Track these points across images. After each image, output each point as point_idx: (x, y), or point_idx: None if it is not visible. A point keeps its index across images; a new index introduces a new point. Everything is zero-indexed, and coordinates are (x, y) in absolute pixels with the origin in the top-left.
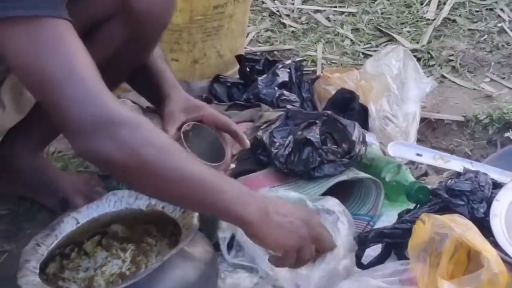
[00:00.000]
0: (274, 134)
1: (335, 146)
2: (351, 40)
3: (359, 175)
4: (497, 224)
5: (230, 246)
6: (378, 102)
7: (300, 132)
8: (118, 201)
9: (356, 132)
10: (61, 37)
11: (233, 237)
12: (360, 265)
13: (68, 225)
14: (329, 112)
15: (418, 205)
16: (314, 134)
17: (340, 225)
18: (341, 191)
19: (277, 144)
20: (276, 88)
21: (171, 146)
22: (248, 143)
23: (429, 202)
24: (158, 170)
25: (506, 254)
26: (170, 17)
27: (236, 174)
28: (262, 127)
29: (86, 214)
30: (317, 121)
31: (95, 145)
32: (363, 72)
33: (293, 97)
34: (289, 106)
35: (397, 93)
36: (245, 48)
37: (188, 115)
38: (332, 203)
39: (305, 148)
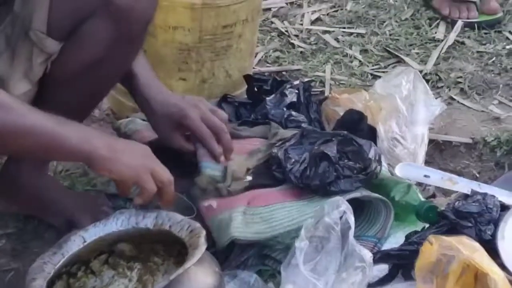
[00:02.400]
0: (289, 152)
1: (352, 162)
2: (360, 61)
3: (372, 195)
4: (504, 246)
5: None
6: (387, 123)
7: (316, 147)
8: (125, 220)
9: (372, 151)
10: None
11: None
12: (367, 285)
13: (75, 243)
14: (344, 132)
15: (426, 227)
16: (331, 149)
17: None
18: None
19: (293, 160)
20: (285, 109)
21: (4, 97)
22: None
23: (437, 223)
24: None
25: None
26: (154, 13)
27: (251, 187)
28: (277, 144)
29: (93, 232)
30: (333, 139)
31: None
32: (372, 93)
33: (302, 117)
34: (303, 125)
35: (406, 114)
36: (254, 68)
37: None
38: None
39: (321, 163)
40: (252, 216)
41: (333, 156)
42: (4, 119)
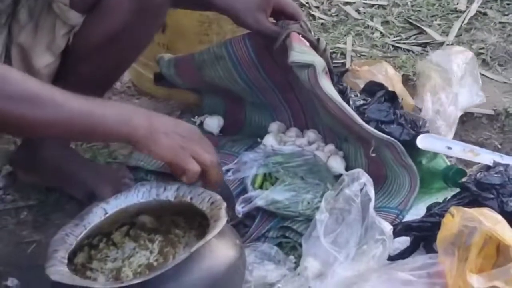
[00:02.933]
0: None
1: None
2: (381, 32)
3: (407, 159)
4: None
5: None
6: (436, 95)
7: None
8: (146, 192)
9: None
10: None
11: None
12: (388, 257)
13: (97, 215)
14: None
15: (447, 199)
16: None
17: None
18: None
19: (353, 95)
20: None
21: (37, 91)
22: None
23: (458, 195)
24: (26, 121)
25: None
26: None
27: None
28: None
29: (114, 204)
30: None
31: None
32: (426, 60)
33: None
34: None
35: (456, 92)
36: None
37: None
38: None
39: (385, 102)
40: None
41: (400, 101)
42: (42, 112)
